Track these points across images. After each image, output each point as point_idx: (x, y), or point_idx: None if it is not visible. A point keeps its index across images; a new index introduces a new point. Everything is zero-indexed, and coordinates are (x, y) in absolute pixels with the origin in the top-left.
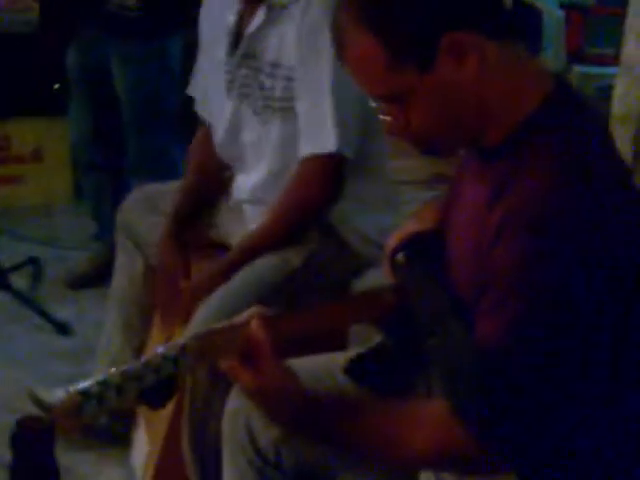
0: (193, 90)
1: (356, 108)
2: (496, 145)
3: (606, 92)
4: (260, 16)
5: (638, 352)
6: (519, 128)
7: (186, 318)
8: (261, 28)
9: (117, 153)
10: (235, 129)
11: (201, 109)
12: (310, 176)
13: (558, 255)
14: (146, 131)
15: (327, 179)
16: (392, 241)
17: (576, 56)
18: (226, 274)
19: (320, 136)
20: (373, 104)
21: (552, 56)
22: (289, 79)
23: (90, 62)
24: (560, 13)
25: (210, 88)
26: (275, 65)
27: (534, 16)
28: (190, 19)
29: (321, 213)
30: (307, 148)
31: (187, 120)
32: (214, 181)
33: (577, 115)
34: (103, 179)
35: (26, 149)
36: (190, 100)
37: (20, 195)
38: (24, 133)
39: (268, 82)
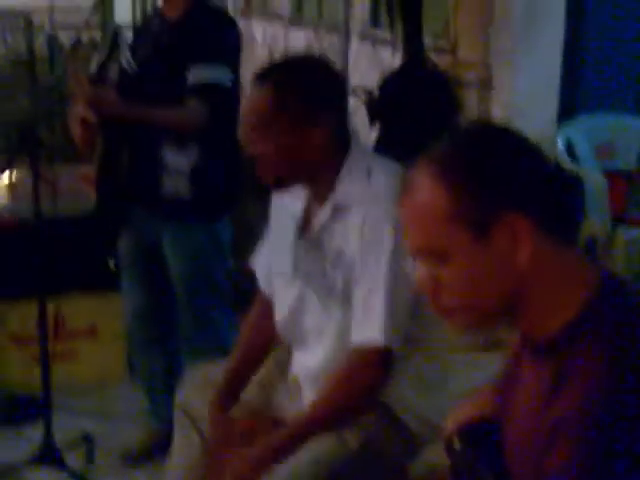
0: (255, 264)
1: (408, 300)
2: (546, 340)
3: None
4: (327, 211)
5: None
6: (569, 325)
7: None
8: (327, 222)
9: (169, 330)
10: (297, 311)
11: (263, 285)
12: (356, 366)
13: (605, 465)
14: (198, 308)
15: (373, 371)
16: (449, 425)
17: (621, 221)
18: (277, 453)
19: (369, 328)
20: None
21: (596, 222)
22: (351, 270)
23: (143, 243)
24: (602, 179)
25: (275, 268)
26: (339, 256)
27: (576, 185)
28: (238, 199)
29: (367, 400)
30: (356, 338)
31: (237, 295)
32: (262, 354)
33: (625, 311)
34: (156, 355)
35: (80, 325)
36: (239, 275)
37: (74, 371)
38: (78, 309)
39: (331, 271)
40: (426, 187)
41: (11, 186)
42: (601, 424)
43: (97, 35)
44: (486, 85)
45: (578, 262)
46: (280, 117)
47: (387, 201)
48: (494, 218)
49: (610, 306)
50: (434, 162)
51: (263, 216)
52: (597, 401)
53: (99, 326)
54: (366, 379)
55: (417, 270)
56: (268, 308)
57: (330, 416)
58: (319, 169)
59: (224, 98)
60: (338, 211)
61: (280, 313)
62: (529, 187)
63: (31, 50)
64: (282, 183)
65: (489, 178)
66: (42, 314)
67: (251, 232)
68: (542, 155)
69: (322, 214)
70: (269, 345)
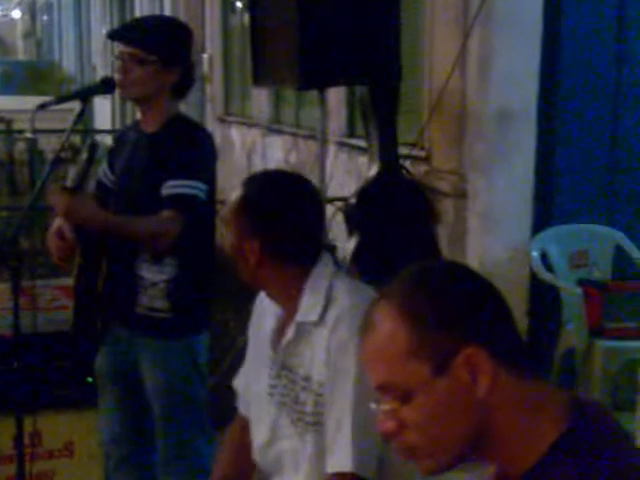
0: (237, 385)
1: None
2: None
3: (630, 367)
4: (291, 331)
5: None
6: (538, 464)
7: None
8: (293, 342)
9: (148, 448)
10: (274, 436)
11: (242, 406)
12: None
13: None
14: (175, 427)
15: None
16: None
17: (598, 332)
18: None
19: (340, 457)
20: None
21: (574, 332)
22: (319, 394)
23: (119, 361)
24: (577, 289)
25: (253, 389)
26: (308, 379)
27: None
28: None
29: None
30: (329, 468)
31: (214, 414)
32: (244, 476)
33: (596, 448)
34: (134, 475)
35: (57, 444)
36: (217, 393)
37: None
38: (55, 427)
39: (302, 395)
40: (385, 323)
41: None
42: None
43: (76, 142)
44: (461, 194)
45: (546, 394)
46: (236, 221)
47: (350, 324)
48: (452, 351)
49: (580, 445)
50: (392, 298)
51: (242, 326)
52: None
53: (76, 444)
54: None
55: (380, 409)
56: (247, 431)
57: None
58: (282, 282)
59: (198, 209)
60: (303, 329)
61: (257, 439)
62: (485, 320)
63: (10, 155)
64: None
65: (446, 313)
66: (19, 434)
67: (230, 343)
68: (495, 289)
69: (288, 333)
70: (250, 470)
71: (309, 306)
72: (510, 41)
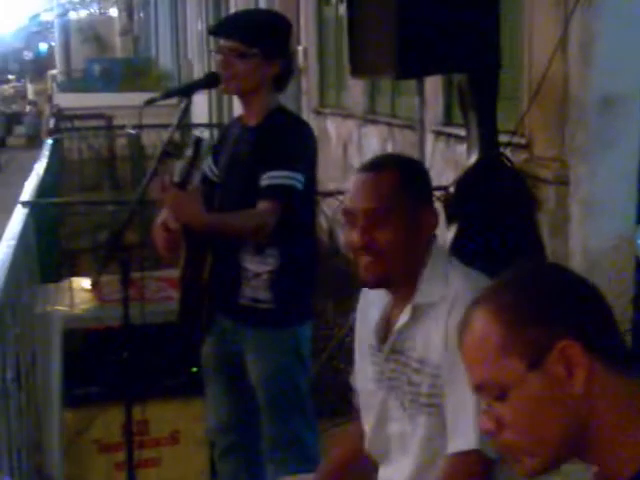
0: (354, 380)
1: None
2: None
3: None
4: (406, 314)
5: None
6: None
7: None
8: (407, 325)
9: (254, 437)
10: (382, 420)
11: (357, 400)
12: (454, 474)
13: None
14: (280, 416)
15: (470, 477)
16: None
17: None
18: None
19: (464, 434)
20: None
21: None
22: (435, 376)
23: (225, 351)
24: None
25: (360, 378)
26: (422, 362)
27: None
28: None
29: None
30: (452, 445)
31: (315, 403)
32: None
33: None
34: (240, 463)
35: (164, 432)
36: (318, 383)
37: (156, 479)
38: (162, 415)
39: (415, 377)
40: (479, 323)
41: (98, 290)
42: None
43: (175, 137)
44: (563, 182)
45: None
46: (405, 199)
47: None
48: (546, 346)
49: None
50: (487, 298)
51: (342, 316)
52: None
53: (182, 433)
54: None
55: (480, 409)
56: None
57: None
58: (408, 263)
59: (295, 200)
60: (419, 312)
61: (367, 424)
62: (580, 315)
63: (112, 150)
64: (384, 281)
65: (539, 308)
66: (129, 421)
67: (330, 332)
68: (591, 286)
69: (402, 316)
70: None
71: (428, 288)
72: (613, 25)
